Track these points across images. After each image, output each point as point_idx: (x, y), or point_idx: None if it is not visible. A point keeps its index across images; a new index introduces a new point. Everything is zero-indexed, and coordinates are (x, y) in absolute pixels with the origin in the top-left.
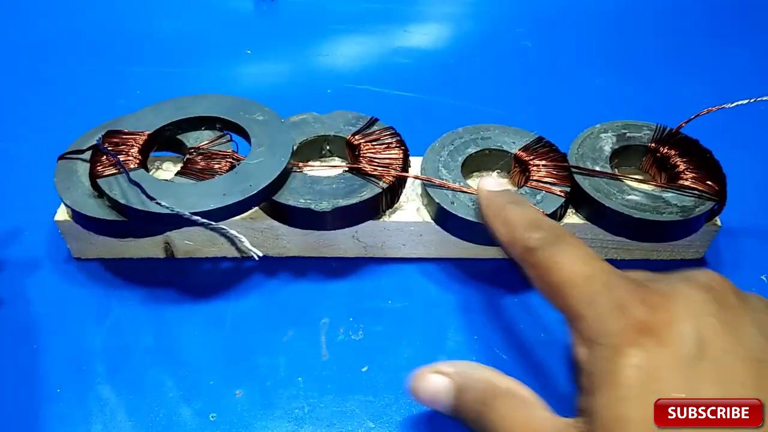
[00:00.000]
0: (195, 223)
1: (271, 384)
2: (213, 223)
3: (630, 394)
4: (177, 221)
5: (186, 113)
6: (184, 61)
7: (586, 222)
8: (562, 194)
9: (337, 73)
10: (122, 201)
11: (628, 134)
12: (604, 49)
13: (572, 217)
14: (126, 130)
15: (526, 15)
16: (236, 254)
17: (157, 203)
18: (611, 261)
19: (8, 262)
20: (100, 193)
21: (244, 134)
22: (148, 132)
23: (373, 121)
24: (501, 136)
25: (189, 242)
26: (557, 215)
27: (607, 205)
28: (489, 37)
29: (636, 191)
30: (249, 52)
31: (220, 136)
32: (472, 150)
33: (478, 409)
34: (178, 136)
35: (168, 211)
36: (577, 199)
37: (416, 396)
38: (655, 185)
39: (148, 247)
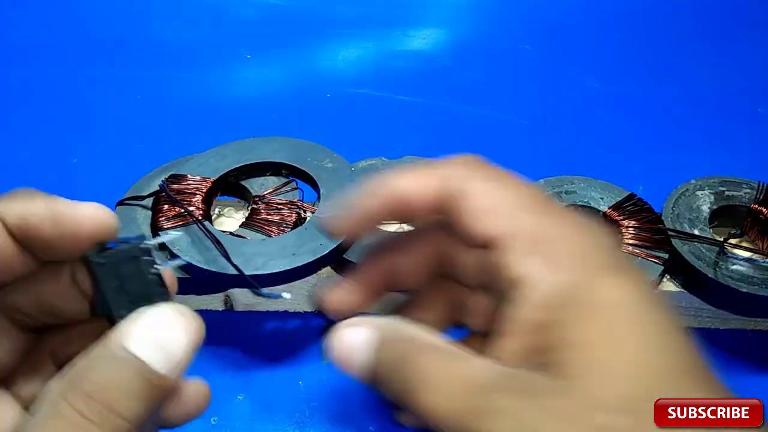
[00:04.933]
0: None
1: (272, 388)
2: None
3: (619, 317)
4: (243, 283)
5: (252, 158)
6: (184, 65)
7: (681, 290)
8: (660, 262)
9: (337, 77)
10: (186, 258)
11: (726, 192)
12: (602, 52)
13: (666, 285)
14: (189, 176)
15: (524, 19)
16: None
17: (235, 267)
18: (705, 331)
19: None
20: (161, 246)
21: (311, 182)
22: (212, 179)
23: None
24: (587, 190)
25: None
26: (653, 285)
27: (710, 276)
28: (488, 40)
29: (741, 260)
30: (249, 56)
31: (286, 183)
32: None
33: (399, 365)
34: (242, 182)
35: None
36: (673, 265)
37: (333, 355)
38: (761, 254)
39: (207, 300)
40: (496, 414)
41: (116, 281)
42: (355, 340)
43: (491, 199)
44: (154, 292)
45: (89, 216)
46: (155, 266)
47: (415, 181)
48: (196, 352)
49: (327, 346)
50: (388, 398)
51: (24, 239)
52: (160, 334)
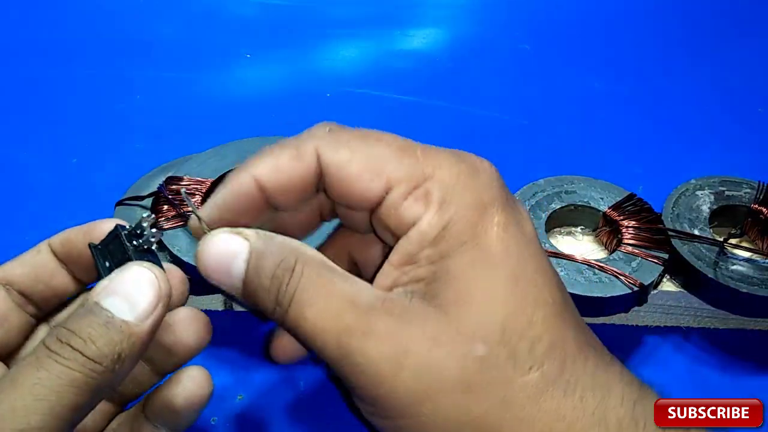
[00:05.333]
0: None
1: (272, 388)
2: None
3: (497, 252)
4: None
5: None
6: (183, 65)
7: (681, 290)
8: (660, 262)
9: (337, 76)
10: (185, 259)
11: (726, 192)
12: (602, 51)
13: (666, 284)
14: (188, 177)
15: (524, 18)
16: None
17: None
18: (704, 331)
19: None
20: (160, 246)
21: None
22: (211, 179)
23: None
24: (587, 190)
25: None
26: (653, 284)
27: (710, 276)
28: (487, 40)
29: (741, 260)
30: (249, 56)
31: None
32: (556, 205)
33: (277, 276)
34: None
35: None
36: (673, 265)
37: (203, 265)
38: (761, 254)
39: (207, 300)
40: (373, 335)
41: (108, 259)
42: (230, 248)
43: (361, 162)
44: (132, 259)
45: (110, 224)
46: (134, 240)
47: (275, 169)
48: (164, 304)
49: (197, 256)
50: (261, 313)
51: (66, 256)
52: (126, 288)
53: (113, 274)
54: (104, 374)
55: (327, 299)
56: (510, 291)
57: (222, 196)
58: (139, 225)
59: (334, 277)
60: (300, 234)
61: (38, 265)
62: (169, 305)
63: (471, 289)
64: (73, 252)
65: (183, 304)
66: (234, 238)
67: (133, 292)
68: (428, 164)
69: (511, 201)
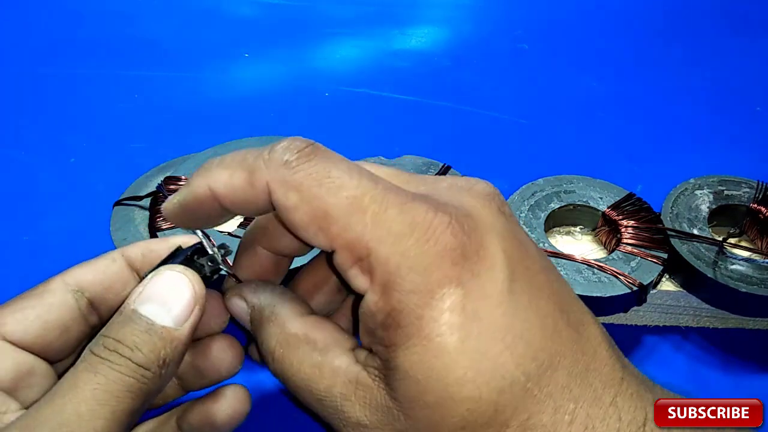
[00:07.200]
0: None
1: (272, 388)
2: None
3: (449, 346)
4: None
5: None
6: (182, 64)
7: (680, 289)
8: (660, 262)
9: (335, 76)
10: None
11: (725, 192)
12: (601, 51)
13: (665, 284)
14: (187, 177)
15: (522, 18)
16: None
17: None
18: (703, 330)
19: None
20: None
21: None
22: None
23: (446, 169)
24: (586, 189)
25: None
26: (652, 284)
27: (709, 276)
28: (486, 39)
29: (740, 260)
30: (247, 55)
31: None
32: (555, 205)
33: (265, 346)
34: None
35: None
36: (672, 265)
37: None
38: (760, 254)
39: None
40: (348, 424)
41: None
42: (237, 310)
43: (306, 214)
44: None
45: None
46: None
47: (229, 186)
48: (201, 306)
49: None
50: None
51: (147, 266)
52: (161, 294)
53: (146, 280)
54: (153, 379)
55: (304, 379)
56: (468, 389)
57: (183, 196)
58: (213, 257)
59: (313, 356)
60: (299, 250)
61: (113, 274)
62: (210, 331)
63: (424, 391)
64: (156, 263)
65: (222, 330)
66: (240, 305)
67: (168, 298)
68: (374, 235)
69: (474, 258)
